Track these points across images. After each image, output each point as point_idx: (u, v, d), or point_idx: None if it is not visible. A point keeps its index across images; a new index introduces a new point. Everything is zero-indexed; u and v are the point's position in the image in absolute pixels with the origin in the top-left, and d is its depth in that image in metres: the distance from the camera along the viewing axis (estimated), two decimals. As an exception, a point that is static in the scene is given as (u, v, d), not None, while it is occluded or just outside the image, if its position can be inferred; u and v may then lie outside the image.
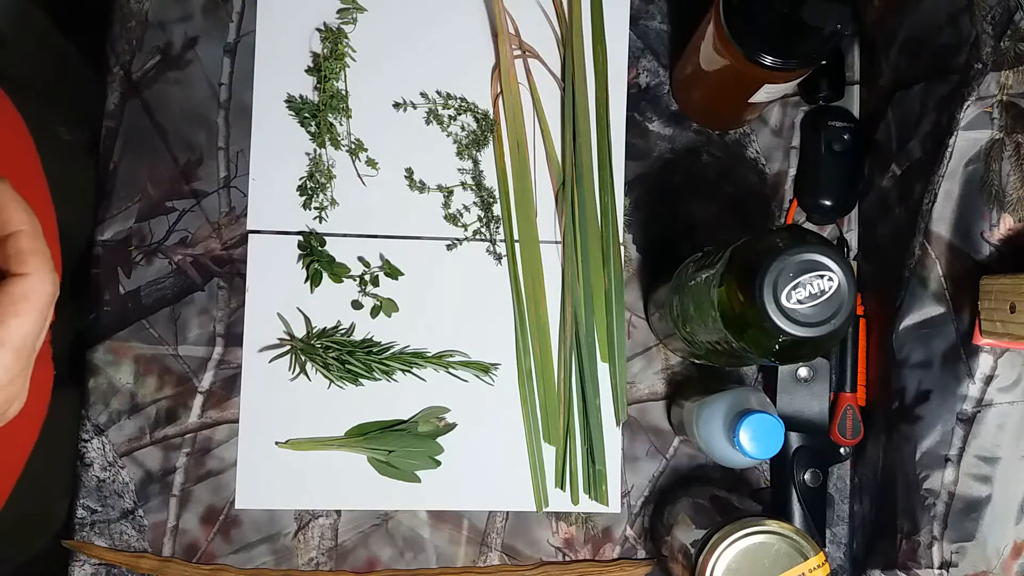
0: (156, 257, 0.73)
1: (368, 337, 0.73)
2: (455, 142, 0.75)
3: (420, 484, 0.72)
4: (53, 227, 0.66)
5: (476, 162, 0.75)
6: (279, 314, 0.72)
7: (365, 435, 0.72)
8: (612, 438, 0.73)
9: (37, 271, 0.36)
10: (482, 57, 0.75)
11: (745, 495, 0.73)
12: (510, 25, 0.74)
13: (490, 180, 0.75)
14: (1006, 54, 0.60)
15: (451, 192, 0.74)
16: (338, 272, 0.73)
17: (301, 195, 0.73)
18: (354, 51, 0.74)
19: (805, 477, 0.72)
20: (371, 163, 0.74)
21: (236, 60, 0.74)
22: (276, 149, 0.73)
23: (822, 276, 0.50)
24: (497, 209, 0.74)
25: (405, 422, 0.73)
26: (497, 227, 0.74)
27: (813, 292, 0.50)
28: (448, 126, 0.75)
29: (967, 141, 0.62)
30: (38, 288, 0.36)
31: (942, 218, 0.63)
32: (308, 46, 0.74)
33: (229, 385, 0.72)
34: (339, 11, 0.74)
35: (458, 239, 0.74)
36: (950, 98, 0.63)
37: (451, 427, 0.73)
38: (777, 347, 0.53)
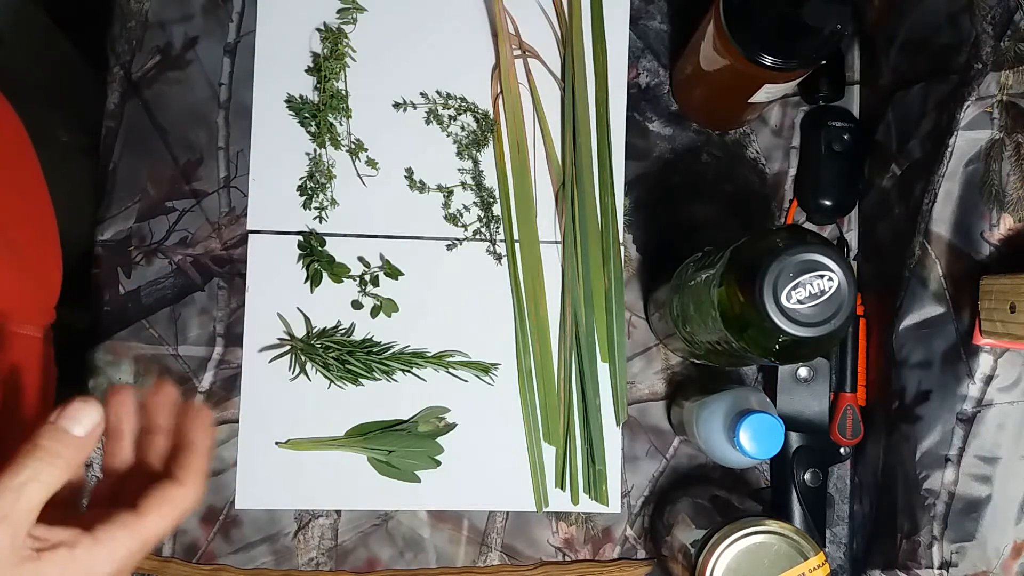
0: (156, 257, 0.73)
1: (368, 337, 0.73)
2: (455, 142, 0.75)
3: (420, 484, 0.72)
4: (53, 227, 0.66)
5: (476, 162, 0.75)
6: (279, 314, 0.72)
7: (365, 435, 0.72)
8: (612, 438, 0.73)
9: (192, 485, 0.41)
10: (482, 57, 0.75)
11: (745, 495, 0.73)
12: (510, 25, 0.74)
13: (490, 180, 0.75)
14: (1006, 54, 0.60)
15: (451, 192, 0.74)
16: (338, 272, 0.73)
17: (301, 195, 0.73)
18: (354, 51, 0.74)
19: (805, 477, 0.72)
20: (371, 163, 0.74)
21: (236, 60, 0.74)
22: (276, 149, 0.73)
23: (822, 276, 0.50)
24: (497, 209, 0.74)
25: (405, 422, 0.73)
26: (497, 227, 0.74)
27: (813, 292, 0.50)
28: (448, 126, 0.75)
29: (967, 141, 0.62)
30: (187, 501, 0.41)
31: (942, 218, 0.63)
32: (308, 46, 0.74)
33: (229, 385, 0.72)
34: (339, 11, 0.74)
35: (458, 239, 0.74)
36: (950, 98, 0.63)
37: (451, 427, 0.73)
38: (777, 347, 0.53)
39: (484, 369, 0.73)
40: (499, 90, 0.75)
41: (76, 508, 0.44)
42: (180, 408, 0.45)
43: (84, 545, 0.37)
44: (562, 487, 0.73)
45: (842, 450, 0.73)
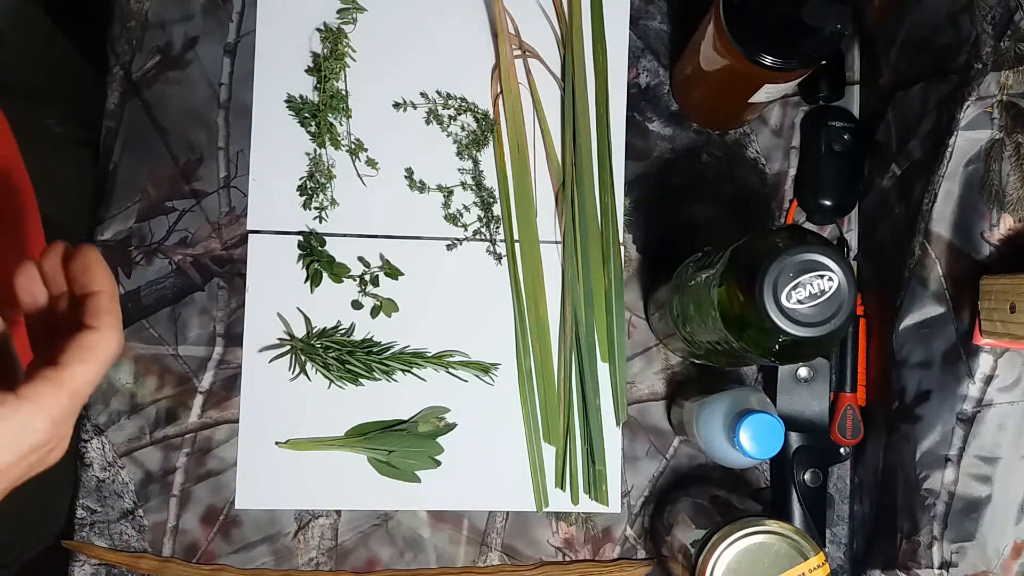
0: (156, 257, 0.73)
1: (368, 337, 0.73)
2: (455, 142, 0.75)
3: (420, 484, 0.72)
4: (36, 220, 0.66)
5: (476, 162, 0.75)
6: (279, 314, 0.72)
7: (365, 435, 0.72)
8: (612, 438, 0.73)
9: (107, 328, 0.41)
10: (482, 57, 0.75)
11: (745, 495, 0.73)
12: (510, 25, 0.74)
13: (490, 180, 0.75)
14: (1006, 54, 0.60)
15: (451, 192, 0.74)
16: (338, 272, 0.73)
17: (301, 195, 0.73)
18: (354, 51, 0.74)
19: (805, 477, 0.72)
20: (371, 163, 0.74)
21: (236, 60, 0.74)
22: (276, 149, 0.73)
23: (822, 276, 0.50)
24: (497, 209, 0.74)
25: (405, 422, 0.73)
26: (497, 227, 0.74)
27: (813, 292, 0.50)
28: (448, 126, 0.75)
29: (967, 141, 0.62)
30: (104, 343, 0.40)
31: (942, 218, 0.63)
32: (308, 46, 0.74)
33: (229, 385, 0.72)
34: (339, 11, 0.74)
35: (458, 239, 0.74)
36: (950, 98, 0.63)
37: (451, 427, 0.73)
38: (777, 347, 0.53)
39: (484, 369, 0.73)
40: (499, 90, 0.75)
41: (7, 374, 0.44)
42: (73, 261, 0.43)
43: (10, 404, 0.37)
44: (562, 487, 0.73)
45: (842, 450, 0.73)
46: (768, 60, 0.59)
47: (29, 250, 0.66)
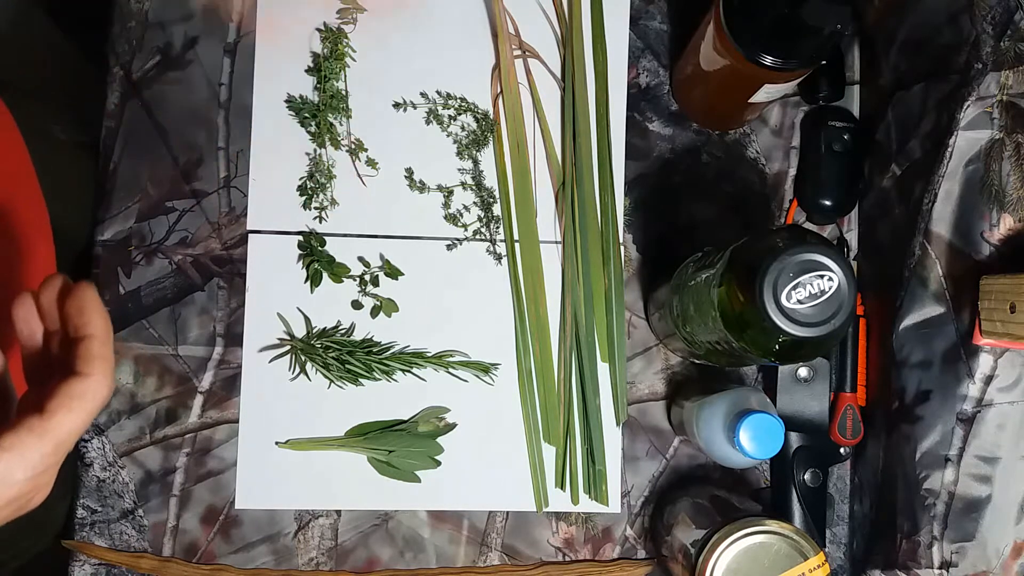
0: (156, 257, 0.73)
1: (368, 337, 0.73)
2: (455, 142, 0.75)
3: (420, 484, 0.72)
4: (46, 226, 0.66)
5: (476, 162, 0.75)
6: (279, 314, 0.72)
7: (365, 435, 0.72)
8: (612, 438, 0.73)
9: (97, 375, 0.39)
10: (482, 57, 0.75)
11: (745, 495, 0.73)
12: (510, 25, 0.74)
13: (490, 180, 0.75)
14: (1006, 54, 0.60)
15: (451, 192, 0.74)
16: (338, 272, 0.73)
17: (301, 195, 0.73)
18: (354, 51, 0.74)
19: (805, 477, 0.72)
20: (371, 163, 0.74)
21: (236, 60, 0.74)
22: (276, 149, 0.73)
23: (822, 276, 0.50)
24: (497, 209, 0.74)
25: (405, 422, 0.73)
26: (497, 227, 0.74)
27: (813, 292, 0.50)
28: (448, 126, 0.75)
29: (967, 141, 0.62)
30: (94, 391, 0.39)
31: (942, 218, 0.63)
32: (308, 46, 0.74)
33: (229, 385, 0.72)
34: (339, 11, 0.74)
35: (458, 239, 0.74)
36: (950, 98, 0.63)
37: (451, 427, 0.73)
38: (777, 347, 0.53)
39: (484, 369, 0.73)
40: (499, 90, 0.75)
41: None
42: (70, 300, 0.42)
43: None
44: (562, 487, 0.73)
45: (842, 450, 0.73)
46: (768, 60, 0.59)
47: (37, 265, 0.65)
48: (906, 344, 0.67)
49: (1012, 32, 0.59)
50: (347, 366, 0.71)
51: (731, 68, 0.63)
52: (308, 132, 0.73)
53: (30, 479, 0.37)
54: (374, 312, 0.73)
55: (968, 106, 0.61)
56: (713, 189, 0.77)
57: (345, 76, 0.74)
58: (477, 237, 0.74)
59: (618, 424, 0.74)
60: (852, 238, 0.76)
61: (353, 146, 0.74)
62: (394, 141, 0.74)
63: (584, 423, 0.73)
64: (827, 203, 0.74)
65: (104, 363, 0.40)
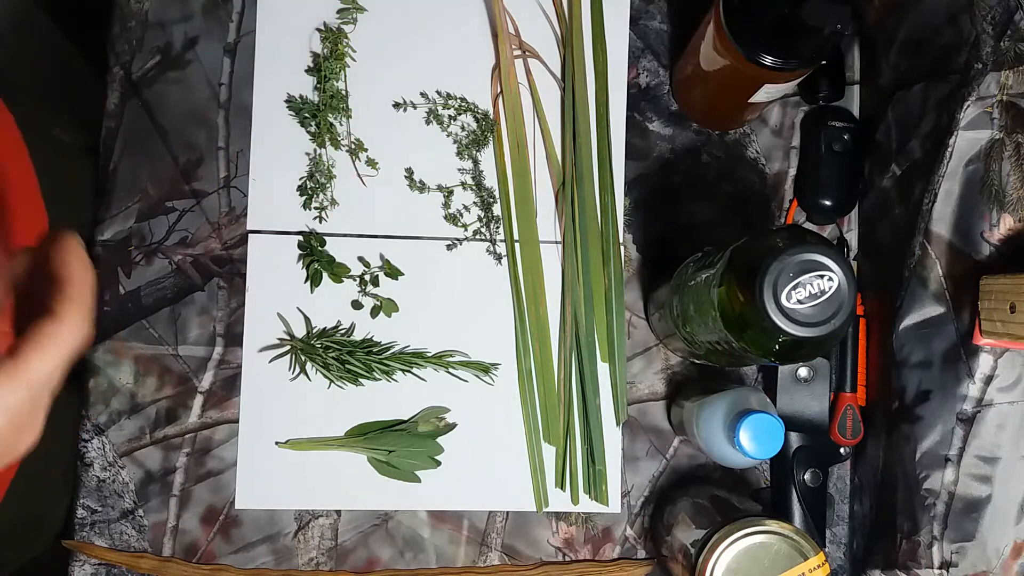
0: (156, 257, 0.73)
1: (368, 337, 0.73)
2: (455, 142, 0.75)
3: (420, 484, 0.72)
4: (44, 226, 0.66)
5: (476, 162, 0.75)
6: (279, 314, 0.72)
7: (365, 435, 0.72)
8: (612, 438, 0.73)
9: (67, 316, 0.39)
10: (482, 57, 0.75)
11: (745, 495, 0.73)
12: (510, 25, 0.74)
13: (490, 180, 0.75)
14: (1006, 54, 0.60)
15: (451, 192, 0.74)
16: (338, 272, 0.73)
17: (301, 195, 0.73)
18: (354, 51, 0.74)
19: (805, 477, 0.72)
20: (371, 163, 0.74)
21: (236, 60, 0.74)
22: (276, 149, 0.73)
23: (822, 276, 0.50)
24: (497, 209, 0.74)
25: (405, 422, 0.73)
26: (497, 227, 0.74)
27: (813, 292, 0.50)
28: (448, 126, 0.75)
29: (967, 141, 0.62)
30: (65, 333, 0.38)
31: (942, 218, 0.63)
32: (308, 46, 0.74)
33: (229, 385, 0.72)
34: (339, 11, 0.74)
35: (458, 239, 0.74)
36: (950, 98, 0.63)
37: (451, 427, 0.73)
38: (777, 347, 0.53)
39: (484, 369, 0.73)
40: (499, 90, 0.75)
41: None
42: (52, 247, 0.41)
43: None
44: (562, 487, 0.73)
45: (842, 450, 0.73)
46: (768, 60, 0.59)
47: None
48: (906, 344, 0.67)
49: (1012, 32, 0.60)
50: (347, 366, 0.71)
51: (731, 68, 0.63)
52: (308, 132, 0.73)
53: (9, 422, 0.37)
54: (374, 312, 0.73)
55: (968, 106, 0.61)
56: (713, 189, 0.77)
57: (345, 76, 0.74)
58: (477, 237, 0.74)
59: (618, 424, 0.74)
60: (852, 238, 0.76)
61: (353, 146, 0.74)
62: (394, 141, 0.74)
63: (584, 423, 0.73)
64: (827, 203, 0.74)
65: (75, 304, 0.39)
